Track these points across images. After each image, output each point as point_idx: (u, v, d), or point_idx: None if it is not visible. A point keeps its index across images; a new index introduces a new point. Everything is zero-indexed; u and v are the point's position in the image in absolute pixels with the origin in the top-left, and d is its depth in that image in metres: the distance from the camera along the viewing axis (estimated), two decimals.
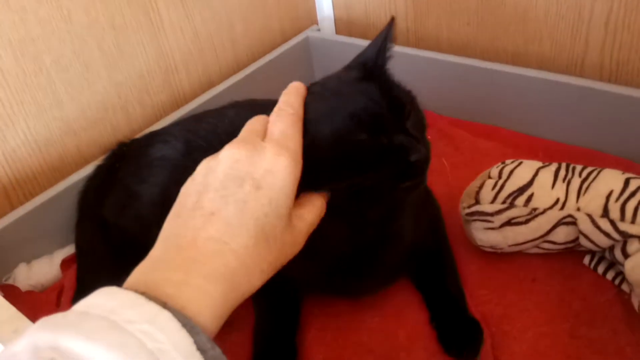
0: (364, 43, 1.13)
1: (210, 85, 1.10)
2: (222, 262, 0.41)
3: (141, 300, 0.36)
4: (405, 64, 1.10)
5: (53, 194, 0.87)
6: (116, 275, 0.80)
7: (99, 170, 0.88)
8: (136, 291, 0.37)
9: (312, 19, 1.29)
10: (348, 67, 0.62)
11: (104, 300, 0.37)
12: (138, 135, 0.92)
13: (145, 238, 0.79)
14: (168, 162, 0.80)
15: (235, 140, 0.49)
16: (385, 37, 0.61)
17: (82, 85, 0.90)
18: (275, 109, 0.53)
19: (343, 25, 1.27)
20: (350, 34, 1.26)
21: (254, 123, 0.53)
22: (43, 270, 0.84)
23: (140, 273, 0.42)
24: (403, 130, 0.54)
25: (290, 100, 0.54)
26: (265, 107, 0.80)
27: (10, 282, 0.81)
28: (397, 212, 0.64)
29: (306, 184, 0.51)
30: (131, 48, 0.95)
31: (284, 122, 0.51)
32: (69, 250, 0.87)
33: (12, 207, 0.86)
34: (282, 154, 0.47)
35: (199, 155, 0.79)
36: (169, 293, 0.38)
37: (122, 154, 0.87)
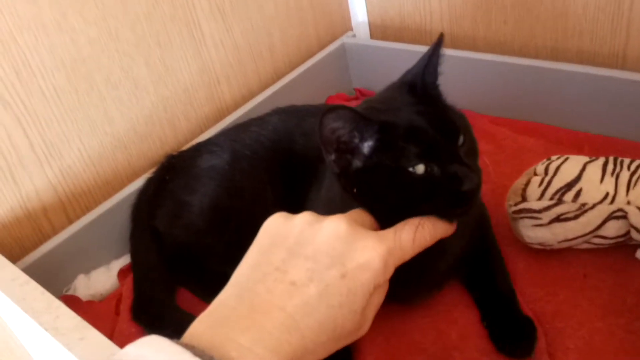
0: (400, 47, 1.16)
1: (251, 95, 1.12)
2: (287, 339, 0.41)
3: (187, 355, 0.36)
4: (442, 65, 1.11)
5: (107, 207, 0.90)
6: (169, 282, 0.84)
7: (149, 182, 0.92)
8: (198, 345, 0.38)
9: (346, 25, 1.31)
10: (397, 87, 0.62)
11: (152, 353, 0.37)
12: (184, 147, 0.95)
13: (196, 246, 0.83)
14: (215, 171, 0.82)
15: (345, 215, 0.49)
16: (432, 54, 0.60)
17: (131, 101, 0.93)
18: (418, 221, 0.51)
19: (378, 30, 1.28)
20: (385, 38, 1.27)
21: (361, 214, 0.53)
22: (101, 280, 0.87)
23: (207, 325, 0.42)
24: (456, 159, 0.54)
25: (433, 228, 0.53)
26: (308, 112, 0.82)
27: (70, 292, 0.85)
28: None
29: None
30: (175, 63, 0.98)
31: (412, 236, 0.50)
32: (125, 260, 0.90)
33: (70, 221, 0.89)
34: (383, 260, 0.46)
35: (245, 164, 0.82)
36: (232, 356, 0.38)
37: (171, 166, 0.90)
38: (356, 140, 0.55)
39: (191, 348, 0.38)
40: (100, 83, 0.89)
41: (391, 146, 0.54)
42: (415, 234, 0.50)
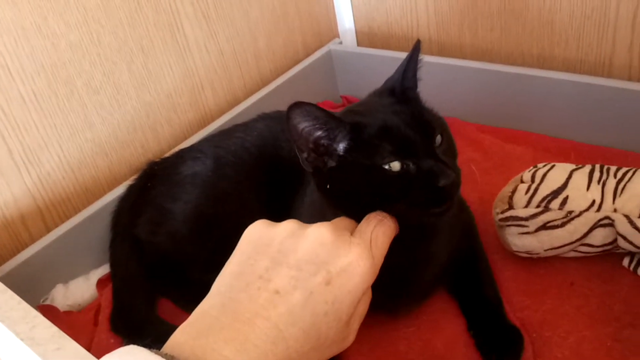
0: (386, 54, 1.16)
1: (236, 101, 1.11)
2: (272, 350, 0.40)
3: None
4: (429, 72, 1.10)
5: (87, 215, 0.88)
6: (150, 292, 0.82)
7: (130, 190, 0.90)
8: (179, 355, 0.37)
9: (333, 32, 1.30)
10: (378, 93, 0.63)
11: None
12: (167, 154, 0.93)
13: (179, 255, 0.81)
14: (199, 178, 0.81)
15: (327, 223, 0.48)
16: (409, 60, 0.61)
17: (113, 107, 0.92)
18: (378, 216, 0.51)
19: (364, 37, 1.27)
20: (372, 46, 1.26)
21: (344, 220, 0.52)
22: (80, 290, 0.85)
23: (189, 335, 0.41)
24: (432, 155, 0.54)
25: (392, 220, 0.53)
26: None
27: (48, 302, 0.82)
28: (433, 232, 0.64)
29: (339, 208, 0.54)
30: (159, 68, 0.97)
31: (381, 230, 0.50)
32: (104, 269, 0.88)
33: (48, 230, 0.87)
34: (366, 259, 0.45)
35: (229, 170, 0.81)
36: None
37: (153, 173, 0.88)
38: (329, 142, 0.55)
39: (171, 358, 0.37)
40: (81, 88, 0.87)
41: (365, 145, 0.54)
42: (382, 226, 0.51)
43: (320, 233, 0.46)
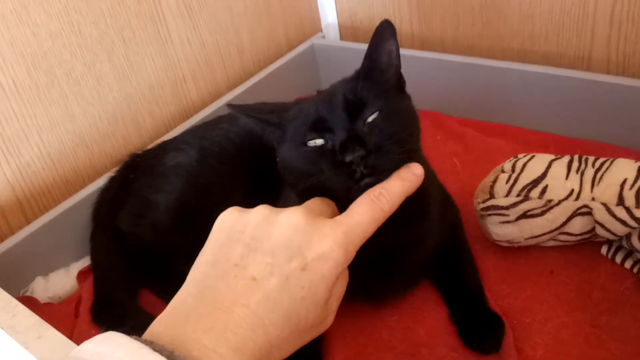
0: None
1: (219, 94, 1.11)
2: (252, 337, 0.40)
3: (145, 350, 0.35)
4: (411, 66, 1.11)
5: (67, 206, 0.87)
6: (131, 284, 0.81)
7: (112, 181, 0.89)
8: (156, 342, 0.37)
9: (316, 27, 1.30)
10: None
11: (110, 349, 0.36)
12: (149, 146, 0.92)
13: (161, 246, 0.81)
14: (183, 169, 0.81)
15: (301, 206, 0.48)
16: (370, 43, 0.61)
17: (94, 98, 0.91)
18: (375, 193, 0.50)
19: (348, 32, 1.28)
20: (355, 40, 1.27)
21: (316, 202, 0.51)
22: (60, 282, 0.84)
23: (167, 324, 0.41)
24: (349, 132, 0.54)
25: (396, 194, 0.51)
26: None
27: (28, 294, 0.81)
28: (419, 217, 0.65)
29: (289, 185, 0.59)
30: (140, 59, 0.96)
31: (368, 214, 0.48)
32: (85, 262, 0.87)
33: (27, 221, 0.86)
34: (341, 248, 0.45)
35: (214, 161, 0.81)
36: (195, 356, 0.37)
37: (135, 164, 0.88)
38: (269, 130, 0.61)
39: (150, 344, 0.37)
40: (62, 78, 0.86)
41: (291, 125, 0.59)
42: (371, 207, 0.49)
43: (293, 217, 0.46)
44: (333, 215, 0.50)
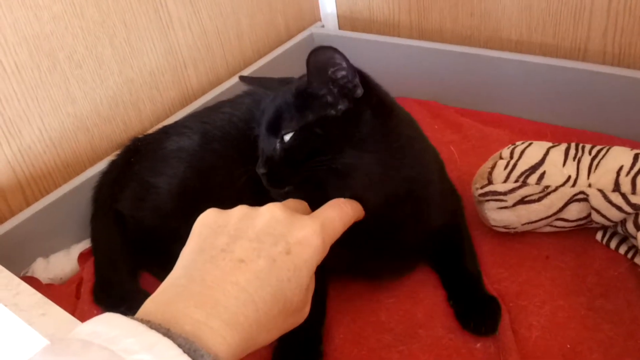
0: (368, 38, 1.17)
1: (218, 81, 1.11)
2: (243, 312, 0.41)
3: (142, 328, 0.36)
4: (409, 55, 1.12)
5: (68, 189, 0.88)
6: (132, 266, 0.82)
7: (113, 165, 0.89)
8: (152, 321, 0.38)
9: (315, 16, 1.31)
10: None
11: (106, 328, 0.36)
12: (150, 131, 0.93)
13: (162, 230, 0.81)
14: (185, 153, 0.81)
15: (279, 203, 0.51)
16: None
17: (95, 82, 0.91)
18: (339, 201, 0.55)
19: (346, 21, 1.28)
20: (353, 30, 1.28)
21: (292, 202, 0.55)
22: (61, 264, 0.85)
23: (160, 302, 0.41)
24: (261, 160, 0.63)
25: (353, 207, 0.56)
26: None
27: (29, 275, 0.82)
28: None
29: None
30: (141, 44, 0.96)
31: (337, 214, 0.53)
32: (86, 244, 0.88)
33: (28, 204, 0.87)
34: (320, 236, 0.48)
35: (216, 145, 0.81)
36: (186, 330, 0.38)
37: (136, 148, 0.88)
38: None
39: (146, 322, 0.37)
40: (63, 61, 0.86)
41: None
42: (339, 212, 0.54)
43: (272, 211, 0.49)
44: (305, 213, 0.53)
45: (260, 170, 0.62)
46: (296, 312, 0.47)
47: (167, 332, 0.36)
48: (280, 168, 0.62)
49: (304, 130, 0.61)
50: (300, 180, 0.61)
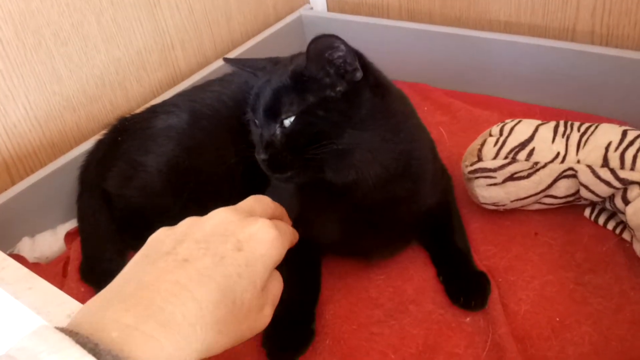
0: (357, 19, 1.16)
1: (206, 62, 1.10)
2: (181, 311, 0.38)
3: (66, 343, 0.33)
4: (398, 37, 1.12)
5: (54, 168, 0.87)
6: (119, 245, 0.81)
7: (99, 144, 0.88)
8: (78, 331, 0.35)
9: None
10: None
11: (35, 344, 0.34)
12: (137, 111, 0.92)
13: (150, 208, 0.80)
14: (174, 131, 0.80)
15: (231, 206, 0.48)
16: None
17: (81, 60, 0.90)
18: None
19: (335, 3, 1.28)
20: (342, 11, 1.27)
21: (257, 201, 0.52)
22: (47, 243, 0.84)
23: (89, 310, 0.38)
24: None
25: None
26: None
27: (15, 253, 0.81)
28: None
29: None
30: (128, 23, 0.95)
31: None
32: (72, 224, 0.87)
33: (13, 183, 0.86)
34: (273, 229, 0.46)
35: (205, 123, 0.80)
36: (113, 337, 0.35)
37: (124, 127, 0.87)
38: None
39: (75, 335, 0.35)
40: (49, 38, 0.85)
41: None
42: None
43: (225, 214, 0.46)
44: (264, 214, 0.50)
45: (261, 156, 0.61)
46: (251, 313, 0.43)
47: (94, 348, 0.34)
48: (282, 154, 0.61)
49: (306, 113, 0.60)
50: (302, 164, 0.60)
